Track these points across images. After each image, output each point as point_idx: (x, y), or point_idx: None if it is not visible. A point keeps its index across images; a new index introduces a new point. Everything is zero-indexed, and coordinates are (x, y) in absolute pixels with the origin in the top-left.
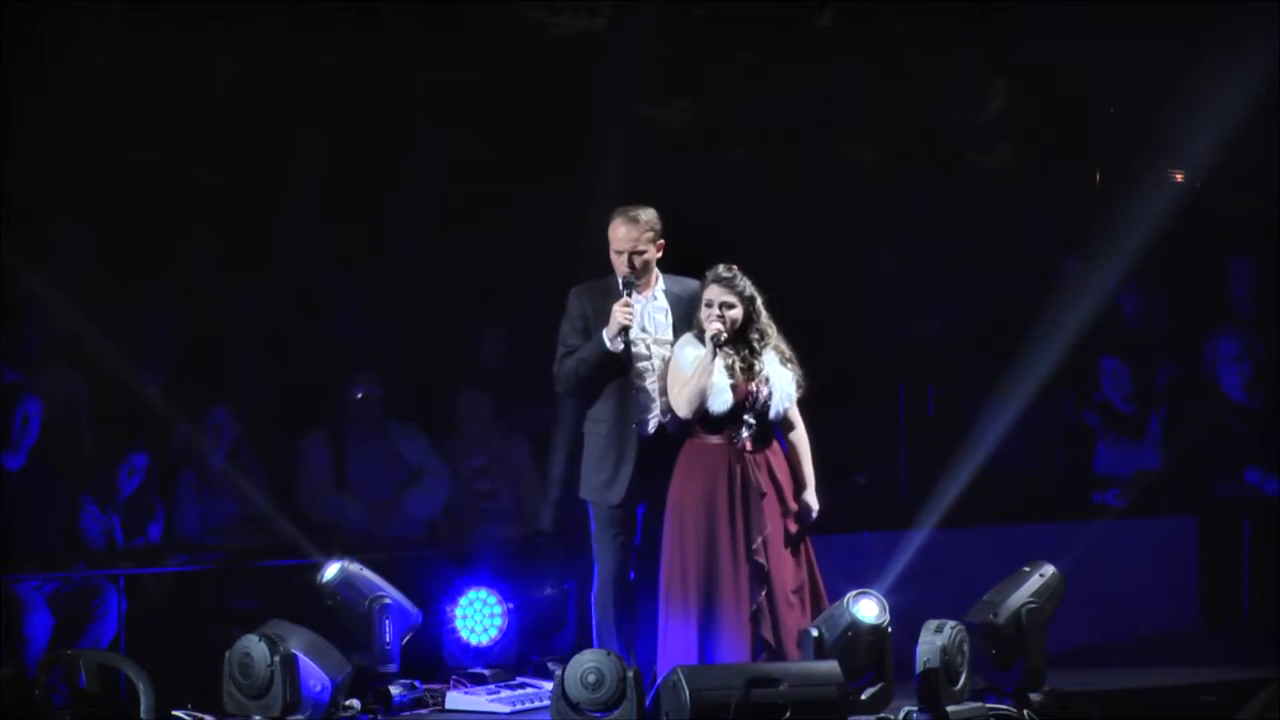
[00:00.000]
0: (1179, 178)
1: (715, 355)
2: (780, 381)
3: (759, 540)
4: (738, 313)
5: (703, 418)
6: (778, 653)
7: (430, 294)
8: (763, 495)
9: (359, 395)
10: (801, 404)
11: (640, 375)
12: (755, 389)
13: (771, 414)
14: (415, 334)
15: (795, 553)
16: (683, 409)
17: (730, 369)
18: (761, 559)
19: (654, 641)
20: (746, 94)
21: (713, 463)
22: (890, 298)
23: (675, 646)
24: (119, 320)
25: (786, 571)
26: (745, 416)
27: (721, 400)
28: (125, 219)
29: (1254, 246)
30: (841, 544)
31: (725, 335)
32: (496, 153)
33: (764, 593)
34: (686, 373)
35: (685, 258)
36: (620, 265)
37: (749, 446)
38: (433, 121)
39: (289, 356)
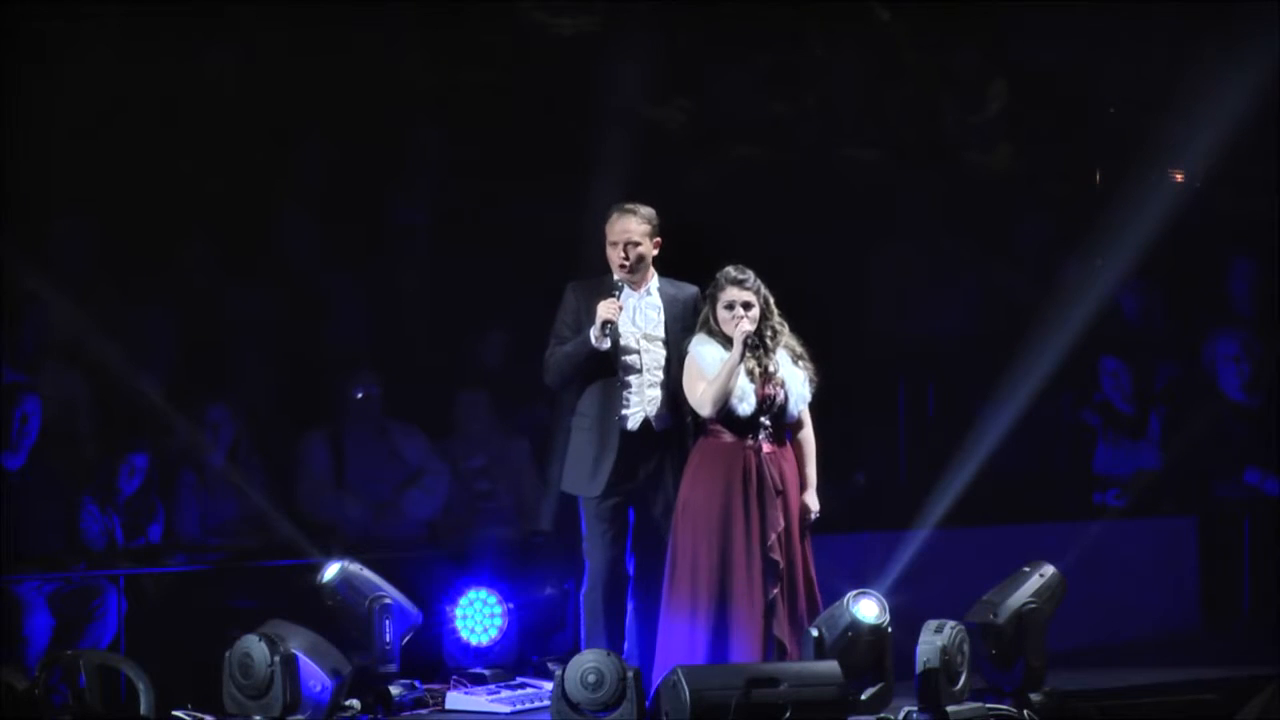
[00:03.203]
0: (1179, 178)
1: (743, 356)
2: (794, 383)
3: (774, 537)
4: (755, 312)
5: (726, 418)
6: (788, 650)
7: (430, 294)
8: (778, 493)
9: (359, 395)
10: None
11: (626, 370)
12: (772, 391)
13: (788, 416)
14: (415, 334)
15: (804, 552)
16: (706, 409)
17: (750, 373)
18: (777, 555)
19: (652, 642)
20: (746, 94)
21: (728, 462)
22: (890, 297)
23: (679, 646)
24: (119, 320)
25: (797, 570)
26: (762, 419)
27: (747, 404)
28: (125, 219)
29: (1254, 246)
30: (841, 544)
31: (754, 337)
32: (496, 153)
33: (777, 589)
34: (709, 372)
35: (685, 258)
36: (615, 256)
37: (765, 448)
38: (433, 121)
39: (289, 356)
